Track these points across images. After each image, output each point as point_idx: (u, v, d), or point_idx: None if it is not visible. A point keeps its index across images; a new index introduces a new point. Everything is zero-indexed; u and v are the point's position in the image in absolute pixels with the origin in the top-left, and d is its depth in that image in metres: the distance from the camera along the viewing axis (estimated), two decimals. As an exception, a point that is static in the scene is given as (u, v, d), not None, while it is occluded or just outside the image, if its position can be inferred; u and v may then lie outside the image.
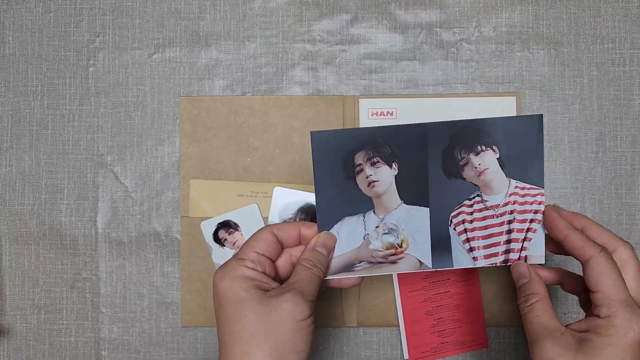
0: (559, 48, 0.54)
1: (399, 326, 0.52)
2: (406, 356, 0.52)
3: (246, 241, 0.41)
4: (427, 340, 0.52)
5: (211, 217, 0.52)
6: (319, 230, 0.42)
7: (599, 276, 0.36)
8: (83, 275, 0.54)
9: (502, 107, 0.53)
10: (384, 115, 0.53)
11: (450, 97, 0.53)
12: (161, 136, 0.54)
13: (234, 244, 0.52)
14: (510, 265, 0.42)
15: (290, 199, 0.52)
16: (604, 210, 0.53)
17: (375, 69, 0.54)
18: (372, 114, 0.53)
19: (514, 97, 0.53)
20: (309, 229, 0.42)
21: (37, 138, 0.55)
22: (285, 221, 0.46)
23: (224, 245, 0.52)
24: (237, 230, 0.52)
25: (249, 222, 0.52)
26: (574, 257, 0.39)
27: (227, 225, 0.52)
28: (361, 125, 0.53)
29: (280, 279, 0.42)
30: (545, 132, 0.53)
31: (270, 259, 0.40)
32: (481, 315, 0.53)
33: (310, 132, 0.40)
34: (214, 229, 0.52)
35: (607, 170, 0.53)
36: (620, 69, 0.53)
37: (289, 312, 0.36)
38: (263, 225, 0.52)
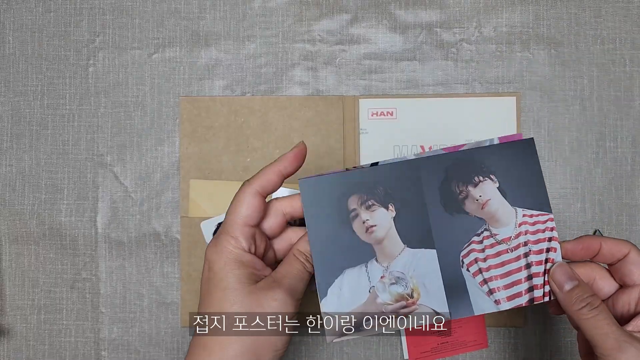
0: (560, 48, 0.54)
1: (398, 326, 0.52)
2: (406, 356, 0.52)
3: (232, 209, 0.37)
4: (427, 340, 0.52)
5: (211, 217, 0.52)
6: (318, 288, 0.37)
7: None
8: (83, 276, 0.54)
9: (502, 107, 0.53)
10: (384, 115, 0.53)
11: (450, 97, 0.53)
12: (161, 136, 0.54)
13: (234, 244, 0.52)
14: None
15: (290, 199, 0.52)
16: (604, 211, 0.53)
17: (375, 69, 0.54)
18: (372, 114, 0.53)
19: (514, 98, 0.53)
20: (287, 164, 0.38)
21: (37, 138, 0.55)
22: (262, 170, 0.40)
23: (223, 246, 0.52)
24: (237, 230, 0.52)
25: (248, 222, 0.52)
26: (604, 262, 0.38)
27: (227, 226, 0.52)
28: (361, 126, 0.53)
29: (269, 238, 0.40)
30: (545, 133, 0.53)
31: (258, 226, 0.38)
32: (481, 315, 0.53)
33: (299, 179, 0.38)
34: (214, 229, 0.52)
35: (608, 171, 0.53)
36: (621, 69, 0.53)
37: (275, 311, 0.35)
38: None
